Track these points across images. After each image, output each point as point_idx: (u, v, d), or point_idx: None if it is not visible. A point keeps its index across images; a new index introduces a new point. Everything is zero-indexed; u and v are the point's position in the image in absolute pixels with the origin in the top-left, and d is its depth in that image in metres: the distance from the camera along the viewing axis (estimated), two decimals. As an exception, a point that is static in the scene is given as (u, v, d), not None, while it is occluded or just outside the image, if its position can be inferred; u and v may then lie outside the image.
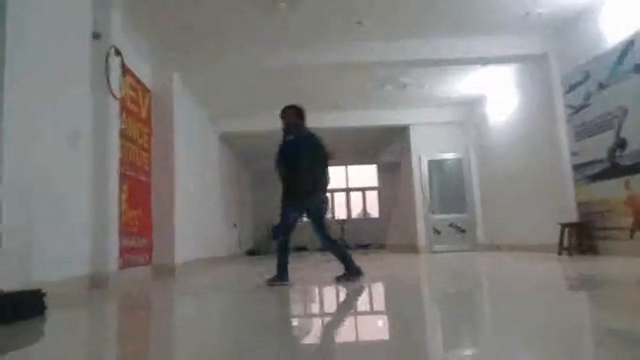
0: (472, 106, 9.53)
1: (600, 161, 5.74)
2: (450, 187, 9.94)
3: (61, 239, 3.78)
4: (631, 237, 5.29)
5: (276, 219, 13.69)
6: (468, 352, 1.62)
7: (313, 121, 9.82)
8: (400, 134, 10.55)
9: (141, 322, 2.60)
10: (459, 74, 7.96)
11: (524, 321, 2.01)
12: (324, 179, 4.05)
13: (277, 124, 10.39)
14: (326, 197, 4.14)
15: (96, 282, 4.20)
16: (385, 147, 12.60)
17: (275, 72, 7.32)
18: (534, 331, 1.79)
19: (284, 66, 6.83)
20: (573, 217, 6.19)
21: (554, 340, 1.61)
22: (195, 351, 1.68)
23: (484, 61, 7.03)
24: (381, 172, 14.93)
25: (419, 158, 10.00)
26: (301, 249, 14.28)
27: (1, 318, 2.22)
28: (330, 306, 3.07)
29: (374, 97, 8.84)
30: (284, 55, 6.58)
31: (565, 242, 6.09)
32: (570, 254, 5.98)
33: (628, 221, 5.33)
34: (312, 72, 7.52)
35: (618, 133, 5.43)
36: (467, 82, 8.41)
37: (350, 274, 3.89)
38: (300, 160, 3.90)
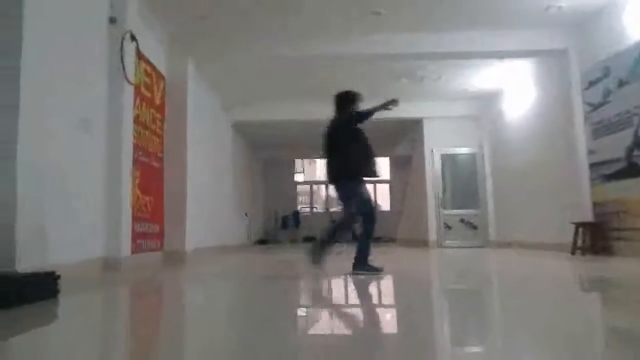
0: (488, 101, 9.40)
1: (618, 160, 5.63)
2: (462, 182, 9.86)
3: (75, 222, 3.82)
4: (647, 238, 5.20)
5: (286, 210, 13.73)
6: (472, 349, 1.60)
7: (321, 113, 9.80)
8: (413, 127, 10.47)
9: (152, 307, 2.62)
10: (476, 67, 7.85)
11: (528, 321, 1.99)
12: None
13: (292, 114, 10.36)
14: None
15: (109, 266, 4.26)
16: (398, 140, 12.51)
17: (289, 62, 7.30)
18: (539, 331, 1.77)
19: (299, 56, 6.80)
20: (588, 216, 6.09)
21: (559, 340, 1.59)
22: (205, 334, 1.69)
23: (504, 55, 6.92)
24: (393, 165, 14.87)
25: (432, 152, 9.93)
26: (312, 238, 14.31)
27: (16, 300, 2.26)
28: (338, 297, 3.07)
29: (389, 90, 8.74)
30: (299, 45, 6.54)
31: (579, 242, 6.01)
32: (583, 254, 5.90)
33: (644, 222, 5.23)
34: (327, 63, 7.48)
35: (637, 132, 5.32)
36: (484, 76, 8.30)
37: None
38: None
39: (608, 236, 5.81)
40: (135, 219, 4.94)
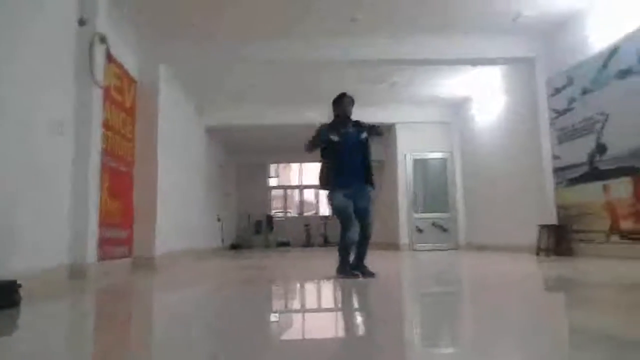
0: (458, 106, 9.62)
1: (581, 165, 5.85)
2: (433, 186, 10.04)
3: (38, 228, 3.70)
4: (607, 240, 5.41)
5: (259, 214, 13.61)
6: (439, 349, 1.64)
7: (298, 117, 9.78)
8: (386, 132, 10.58)
9: (115, 317, 2.56)
10: (447, 74, 8.02)
11: (494, 319, 2.05)
12: None
13: (266, 118, 10.29)
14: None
15: (74, 273, 4.14)
16: (371, 144, 12.62)
17: (264, 66, 7.29)
18: (503, 327, 1.82)
19: (273, 60, 6.79)
20: (552, 219, 6.30)
21: (523, 337, 1.64)
22: (171, 343, 1.67)
23: (474, 62, 7.10)
24: (366, 169, 14.97)
25: (404, 157, 10.06)
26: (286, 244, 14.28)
27: (-26, 309, 2.17)
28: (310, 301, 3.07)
29: (362, 94, 8.82)
30: (273, 49, 6.54)
31: (544, 244, 6.21)
32: (547, 255, 6.09)
33: (605, 224, 5.44)
34: (302, 68, 7.50)
35: (599, 138, 5.54)
36: (455, 83, 8.48)
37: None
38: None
39: (571, 238, 6.02)
40: (102, 224, 4.82)
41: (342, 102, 4.13)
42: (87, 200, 4.36)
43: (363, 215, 3.91)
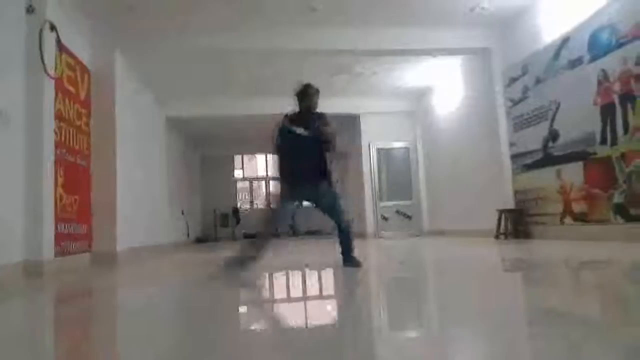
0: (420, 96, 9.79)
1: (535, 151, 6.08)
2: (397, 174, 10.21)
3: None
4: (561, 222, 5.67)
5: (225, 207, 13.42)
6: (406, 332, 1.69)
7: (259, 108, 9.70)
8: (350, 122, 10.66)
9: (70, 316, 2.49)
10: (408, 64, 8.13)
11: (457, 299, 2.12)
12: None
13: (229, 109, 10.12)
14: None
15: (30, 271, 4.00)
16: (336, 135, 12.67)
17: (224, 55, 7.17)
18: (458, 307, 1.89)
19: (233, 50, 6.69)
20: (510, 204, 6.54)
21: (480, 315, 1.71)
22: (130, 348, 1.65)
23: (433, 52, 7.22)
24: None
25: (369, 146, 10.18)
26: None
27: None
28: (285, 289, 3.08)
29: (325, 85, 8.81)
30: (233, 39, 6.43)
31: (502, 227, 6.44)
32: (506, 238, 6.33)
33: (558, 208, 5.70)
34: (263, 58, 7.42)
35: (551, 125, 5.77)
36: (417, 73, 8.61)
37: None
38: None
39: (527, 221, 6.27)
40: (59, 219, 4.66)
41: (307, 94, 3.78)
42: (42, 194, 4.21)
43: (331, 213, 3.74)
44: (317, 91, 3.87)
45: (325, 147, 3.70)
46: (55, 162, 4.58)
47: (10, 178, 3.92)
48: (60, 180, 4.76)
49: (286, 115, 3.87)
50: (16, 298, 3.01)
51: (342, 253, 3.74)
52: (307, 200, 3.80)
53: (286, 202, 3.76)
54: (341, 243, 3.74)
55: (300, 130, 3.70)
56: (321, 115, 3.82)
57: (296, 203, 3.82)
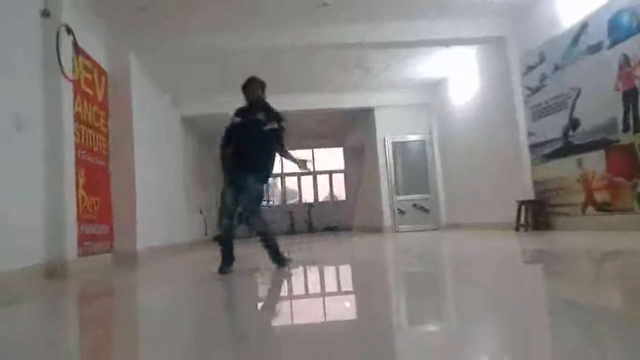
0: (435, 88, 9.67)
1: (555, 141, 5.96)
2: (414, 168, 10.12)
3: (11, 227, 3.61)
4: (583, 212, 5.55)
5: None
6: (431, 323, 1.67)
7: (276, 104, 9.71)
8: (365, 116, 10.61)
9: (95, 315, 2.52)
10: (422, 56, 8.03)
11: (472, 291, 2.09)
12: None
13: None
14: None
15: (54, 272, 4.06)
16: (351, 130, 12.65)
17: (238, 54, 7.17)
18: (482, 300, 1.86)
19: (247, 48, 6.69)
20: (530, 195, 6.43)
21: (504, 306, 1.69)
22: (155, 349, 1.66)
23: (447, 43, 7.12)
24: (347, 155, 15.03)
25: (384, 140, 10.11)
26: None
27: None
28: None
29: (339, 80, 8.81)
30: (247, 37, 6.44)
31: (522, 219, 6.34)
32: (526, 230, 6.23)
33: (580, 198, 5.58)
34: (276, 55, 7.41)
35: (571, 113, 5.64)
36: (431, 65, 8.51)
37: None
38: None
39: (548, 212, 6.16)
40: (81, 220, 4.74)
41: (249, 87, 3.87)
42: (63, 196, 4.28)
43: (247, 212, 3.65)
44: (262, 84, 3.91)
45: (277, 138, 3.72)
46: (76, 163, 4.65)
47: (31, 180, 3.99)
48: (81, 181, 4.84)
49: (236, 111, 3.89)
50: (41, 298, 3.07)
51: (270, 255, 3.66)
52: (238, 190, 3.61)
53: (227, 186, 3.66)
54: (264, 245, 3.67)
55: (237, 120, 3.75)
56: (266, 107, 3.85)
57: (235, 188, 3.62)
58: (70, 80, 4.57)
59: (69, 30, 4.60)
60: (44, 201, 4.11)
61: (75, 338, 1.88)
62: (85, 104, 5.16)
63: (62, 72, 4.38)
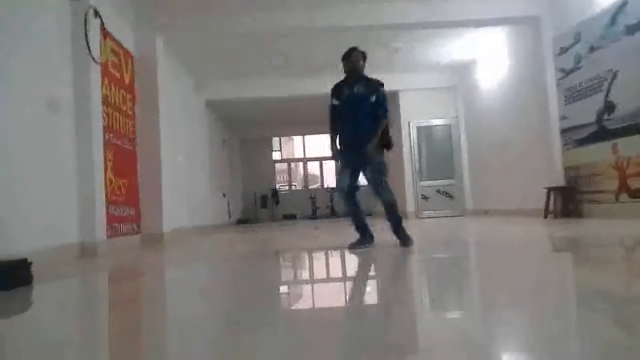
0: (462, 71, 9.43)
1: (589, 125, 5.75)
2: (438, 153, 9.96)
3: (46, 207, 3.71)
4: (616, 199, 5.37)
5: (265, 188, 13.54)
6: (459, 309, 1.63)
7: (302, 87, 9.65)
8: (389, 99, 10.43)
9: (128, 292, 2.57)
10: (449, 38, 7.83)
11: (501, 278, 2.04)
12: None
13: (267, 91, 10.10)
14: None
15: (85, 251, 4.18)
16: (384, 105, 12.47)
17: (262, 37, 7.12)
18: (511, 288, 1.81)
19: (272, 30, 6.63)
20: (560, 181, 6.25)
21: (532, 295, 1.63)
22: (187, 323, 1.67)
23: (475, 24, 6.91)
24: (370, 139, 14.86)
25: (408, 124, 9.96)
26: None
27: (-13, 287, 2.19)
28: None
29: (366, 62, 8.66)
30: (271, 19, 6.37)
31: (551, 206, 6.18)
32: (555, 217, 6.07)
33: (613, 184, 5.40)
34: (301, 37, 7.34)
35: (607, 96, 5.43)
36: (459, 46, 8.29)
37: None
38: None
39: (579, 199, 5.98)
40: (109, 202, 4.84)
41: (350, 58, 3.71)
42: (93, 178, 4.37)
43: (372, 186, 3.63)
44: (363, 54, 3.77)
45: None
46: (104, 146, 4.72)
47: (61, 163, 4.07)
48: (109, 164, 4.92)
49: (332, 89, 3.80)
50: (75, 276, 3.15)
51: (392, 230, 3.62)
52: (356, 167, 3.66)
53: (343, 169, 3.68)
54: (388, 219, 3.63)
55: (335, 102, 3.69)
56: (366, 78, 3.72)
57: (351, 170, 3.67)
58: (98, 64, 4.62)
59: (97, 14, 4.63)
60: (75, 182, 4.20)
61: (113, 316, 1.91)
62: (113, 87, 5.22)
63: (91, 55, 4.43)
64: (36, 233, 3.48)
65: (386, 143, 3.67)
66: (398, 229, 3.58)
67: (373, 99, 3.62)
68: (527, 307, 1.54)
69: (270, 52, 7.94)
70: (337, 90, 3.75)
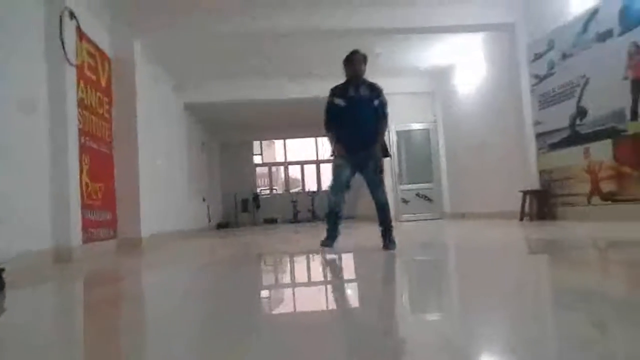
0: (441, 76, 9.58)
1: (562, 130, 5.91)
2: (418, 157, 10.08)
3: (19, 212, 3.62)
4: (588, 202, 5.52)
5: (245, 192, 13.44)
6: (432, 308, 1.66)
7: (280, 91, 9.63)
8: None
9: (103, 297, 2.53)
10: (428, 43, 7.94)
11: (476, 279, 2.08)
12: None
13: (247, 94, 10.04)
14: None
15: (59, 257, 4.08)
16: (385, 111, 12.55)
17: (242, 39, 7.10)
18: (485, 288, 1.85)
19: (251, 33, 6.62)
20: (535, 184, 6.39)
21: (507, 295, 1.67)
22: (164, 328, 1.66)
23: (454, 30, 7.03)
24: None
25: (389, 128, 10.03)
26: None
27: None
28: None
29: (339, 66, 8.71)
30: (250, 22, 6.36)
31: (527, 209, 6.31)
32: (531, 220, 6.20)
33: (586, 188, 5.55)
34: (281, 41, 7.34)
35: (579, 102, 5.58)
36: (437, 52, 8.41)
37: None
38: None
39: (553, 202, 6.13)
40: (85, 207, 4.74)
41: (352, 61, 3.73)
42: (68, 183, 4.28)
43: (371, 186, 3.68)
44: (364, 57, 3.81)
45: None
46: (80, 149, 4.64)
47: (36, 166, 3.98)
48: (85, 167, 4.83)
49: (333, 90, 3.81)
50: (48, 281, 3.08)
51: (381, 232, 3.62)
52: (355, 167, 3.69)
53: (343, 166, 3.68)
54: (379, 220, 3.65)
55: (341, 102, 3.68)
56: (373, 87, 3.77)
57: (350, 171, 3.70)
58: (74, 66, 4.54)
59: (72, 15, 4.55)
60: (49, 186, 4.11)
61: (87, 319, 1.88)
62: (89, 90, 5.13)
63: (66, 57, 4.35)
64: (8, 239, 3.39)
65: (385, 149, 3.74)
66: (388, 232, 3.60)
67: (376, 103, 3.69)
68: (506, 308, 1.58)
69: (250, 55, 7.92)
70: (339, 91, 3.76)
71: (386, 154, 3.75)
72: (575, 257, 2.84)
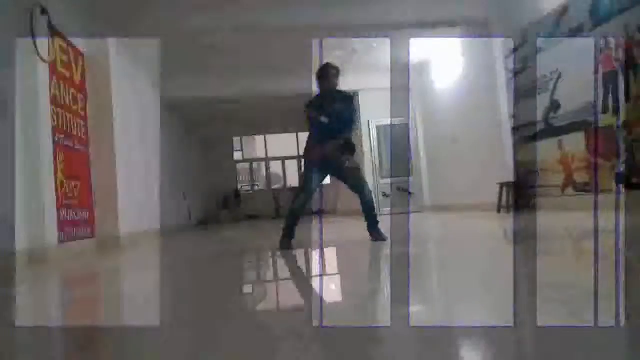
0: (419, 71, 9.65)
1: (536, 123, 6.03)
2: (397, 151, 10.17)
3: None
4: (563, 193, 5.66)
5: (226, 189, 13.38)
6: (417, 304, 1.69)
7: (259, 88, 9.53)
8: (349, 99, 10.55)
9: (82, 300, 2.50)
10: (406, 39, 7.98)
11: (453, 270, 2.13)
12: None
13: (226, 90, 9.94)
14: None
15: (33, 258, 4.00)
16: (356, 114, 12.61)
17: (220, 35, 7.04)
18: (462, 280, 1.90)
19: (228, 28, 6.57)
20: (511, 176, 6.52)
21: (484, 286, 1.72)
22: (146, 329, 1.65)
23: (428, 25, 7.09)
24: (331, 138, 14.96)
25: (368, 123, 10.11)
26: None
27: None
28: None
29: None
30: (227, 17, 6.31)
31: (504, 201, 6.44)
32: (508, 211, 6.33)
33: (560, 179, 5.68)
34: (259, 36, 7.29)
35: (552, 96, 5.71)
36: (415, 47, 8.46)
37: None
38: None
39: (529, 194, 6.26)
40: (61, 206, 4.65)
41: (327, 75, 3.84)
42: (40, 181, 4.19)
43: (355, 188, 3.88)
44: (338, 71, 3.90)
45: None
46: (54, 147, 4.54)
47: (7, 165, 3.89)
48: (60, 166, 4.73)
49: (307, 105, 3.91)
50: (21, 285, 3.02)
51: (368, 226, 3.79)
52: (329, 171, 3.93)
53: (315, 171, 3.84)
54: (365, 216, 3.82)
55: (325, 120, 3.76)
56: (346, 98, 3.92)
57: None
58: (46, 62, 4.44)
59: (44, 11, 4.44)
60: (21, 186, 4.01)
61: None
62: (62, 86, 5.02)
63: (37, 53, 4.25)
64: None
65: (350, 145, 3.85)
66: (376, 225, 3.76)
67: (348, 113, 3.84)
68: (485, 296, 1.62)
69: (226, 50, 7.86)
70: (317, 106, 3.86)
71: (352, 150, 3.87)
72: (549, 246, 2.92)
